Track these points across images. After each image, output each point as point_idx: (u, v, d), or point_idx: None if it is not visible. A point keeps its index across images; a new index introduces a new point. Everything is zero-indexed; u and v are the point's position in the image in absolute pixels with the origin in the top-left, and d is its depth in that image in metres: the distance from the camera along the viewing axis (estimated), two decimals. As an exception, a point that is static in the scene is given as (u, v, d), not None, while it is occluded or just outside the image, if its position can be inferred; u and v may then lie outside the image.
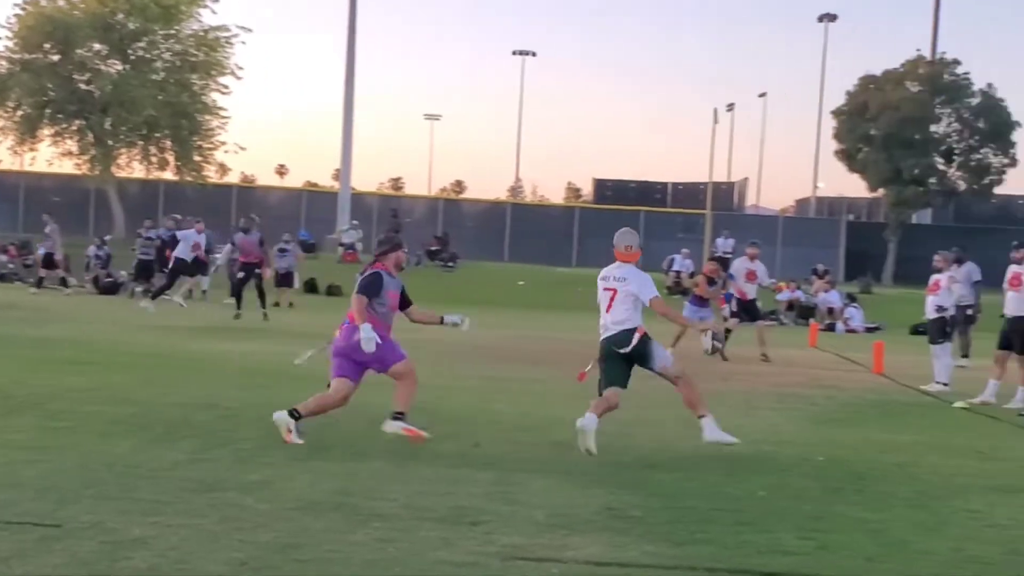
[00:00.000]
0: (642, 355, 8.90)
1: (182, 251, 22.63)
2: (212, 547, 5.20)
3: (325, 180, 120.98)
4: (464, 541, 5.54)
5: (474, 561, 5.20)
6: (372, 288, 8.99)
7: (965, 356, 18.14)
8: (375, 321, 8.82)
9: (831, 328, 28.51)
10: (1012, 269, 13.38)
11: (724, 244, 34.77)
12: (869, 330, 28.89)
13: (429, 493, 6.61)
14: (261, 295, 21.18)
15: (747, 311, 18.14)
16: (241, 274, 21.13)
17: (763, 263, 18.80)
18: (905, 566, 5.54)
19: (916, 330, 26.21)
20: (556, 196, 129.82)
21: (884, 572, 5.41)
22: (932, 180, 49.64)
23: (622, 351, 8.80)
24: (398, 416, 8.69)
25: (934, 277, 14.81)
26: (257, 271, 20.88)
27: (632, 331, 8.82)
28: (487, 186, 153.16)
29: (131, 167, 47.54)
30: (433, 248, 42.41)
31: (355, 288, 9.01)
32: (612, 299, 8.95)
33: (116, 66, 44.31)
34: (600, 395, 8.82)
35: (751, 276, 18.24)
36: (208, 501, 6.09)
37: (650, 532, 5.92)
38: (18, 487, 6.21)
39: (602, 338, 8.99)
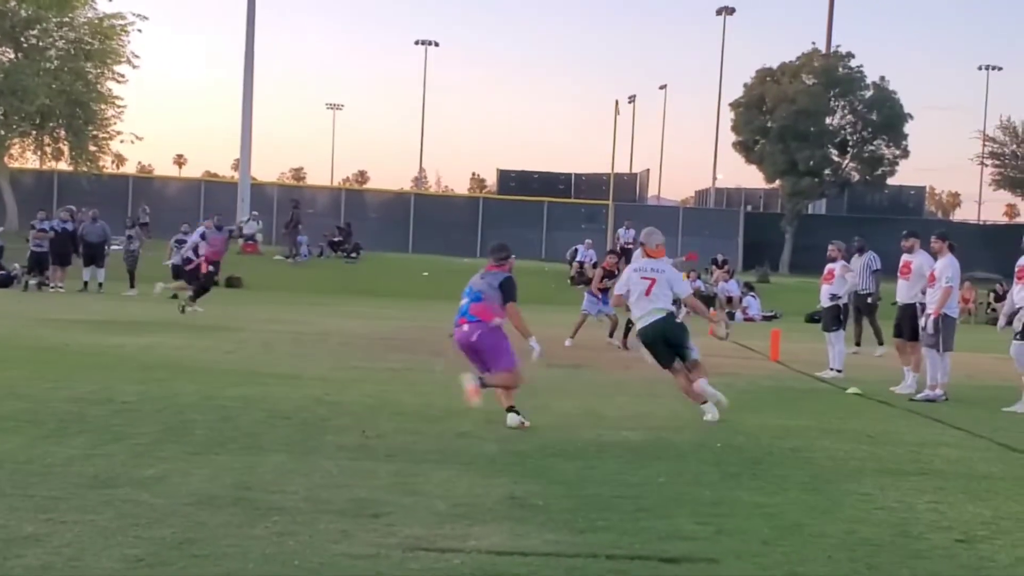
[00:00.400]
0: (681, 336, 10.37)
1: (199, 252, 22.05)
2: (107, 544, 5.10)
3: (225, 170, 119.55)
4: (365, 533, 5.51)
5: (375, 553, 5.17)
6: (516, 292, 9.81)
7: (881, 344, 18.49)
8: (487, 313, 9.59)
9: (730, 316, 29.00)
10: (904, 258, 13.75)
11: (626, 235, 35.12)
12: (766, 318, 29.52)
13: (330, 486, 6.56)
14: (205, 290, 21.07)
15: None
16: (211, 268, 21.25)
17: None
18: (799, 548, 5.65)
19: (811, 318, 26.83)
20: (460, 187, 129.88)
21: (779, 555, 5.51)
22: (827, 171, 50.86)
23: (670, 326, 10.31)
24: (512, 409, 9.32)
25: (829, 266, 15.16)
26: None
27: (675, 312, 10.46)
28: (391, 176, 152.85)
29: (24, 157, 46.37)
30: (335, 239, 42.07)
31: (501, 295, 9.65)
32: (651, 286, 10.23)
33: (8, 54, 43.08)
34: (677, 376, 10.37)
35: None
36: (103, 497, 5.96)
37: (552, 520, 5.96)
38: (-98, 487, 6.01)
39: (645, 325, 10.28)
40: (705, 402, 10.08)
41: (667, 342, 10.30)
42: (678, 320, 10.61)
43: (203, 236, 21.45)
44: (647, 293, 10.21)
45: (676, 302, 10.72)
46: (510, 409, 9.31)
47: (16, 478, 6.32)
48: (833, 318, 14.99)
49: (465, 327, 9.64)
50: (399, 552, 5.22)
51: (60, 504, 5.76)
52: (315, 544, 5.28)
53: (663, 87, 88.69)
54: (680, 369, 10.33)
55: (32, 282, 26.05)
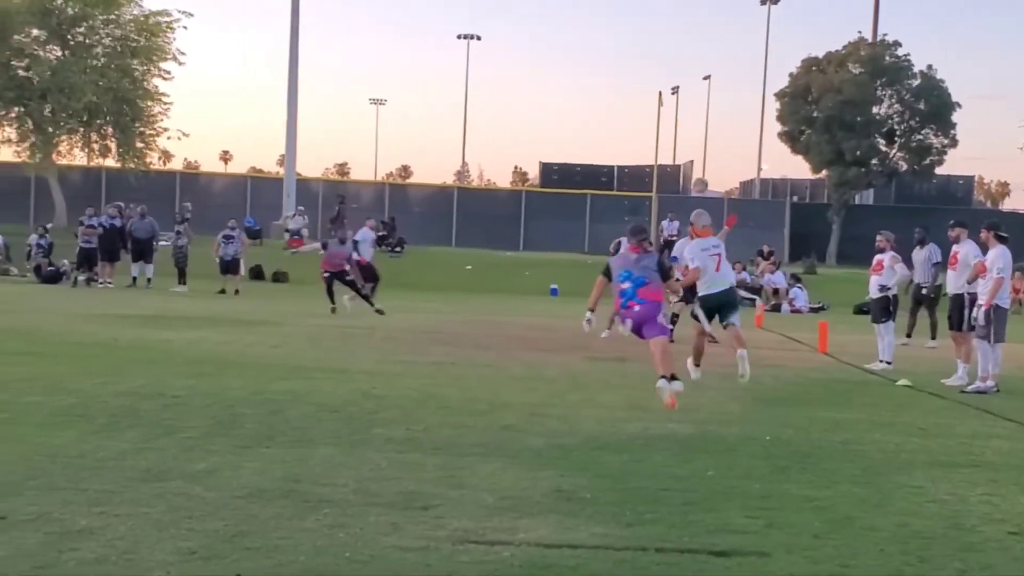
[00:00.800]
0: (734, 305, 12.17)
1: (367, 252, 22.46)
2: (160, 536, 5.15)
3: (270, 166, 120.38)
4: (414, 526, 5.53)
5: (425, 546, 5.19)
6: None
7: (933, 338, 18.33)
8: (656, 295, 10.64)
9: (776, 309, 28.84)
10: (952, 248, 13.62)
11: (670, 227, 34.95)
12: (813, 310, 29.27)
13: (379, 478, 6.59)
14: (354, 286, 21.17)
15: (694, 292, 18.03)
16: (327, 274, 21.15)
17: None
18: (851, 542, 5.61)
19: (860, 309, 26.59)
20: (503, 180, 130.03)
21: (830, 548, 5.47)
22: (874, 161, 50.30)
23: (731, 297, 12.12)
24: (672, 377, 10.09)
25: (877, 257, 15.01)
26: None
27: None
28: (433, 171, 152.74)
29: (72, 154, 46.91)
30: (380, 234, 42.19)
31: (660, 275, 10.70)
32: (719, 262, 12.02)
33: (55, 52, 43.59)
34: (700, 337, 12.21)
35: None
36: (155, 490, 6.02)
37: (599, 513, 5.95)
38: (-41, 480, 6.11)
39: (709, 293, 11.99)
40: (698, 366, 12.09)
41: (721, 307, 12.00)
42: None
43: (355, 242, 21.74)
44: (716, 269, 11.98)
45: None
46: (673, 377, 10.07)
47: (69, 472, 6.40)
48: (882, 309, 14.85)
49: (637, 308, 10.47)
50: (449, 545, 5.24)
51: (113, 497, 5.83)
52: (365, 536, 5.31)
53: (707, 78, 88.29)
54: (708, 332, 12.34)
55: (81, 278, 26.35)
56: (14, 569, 4.63)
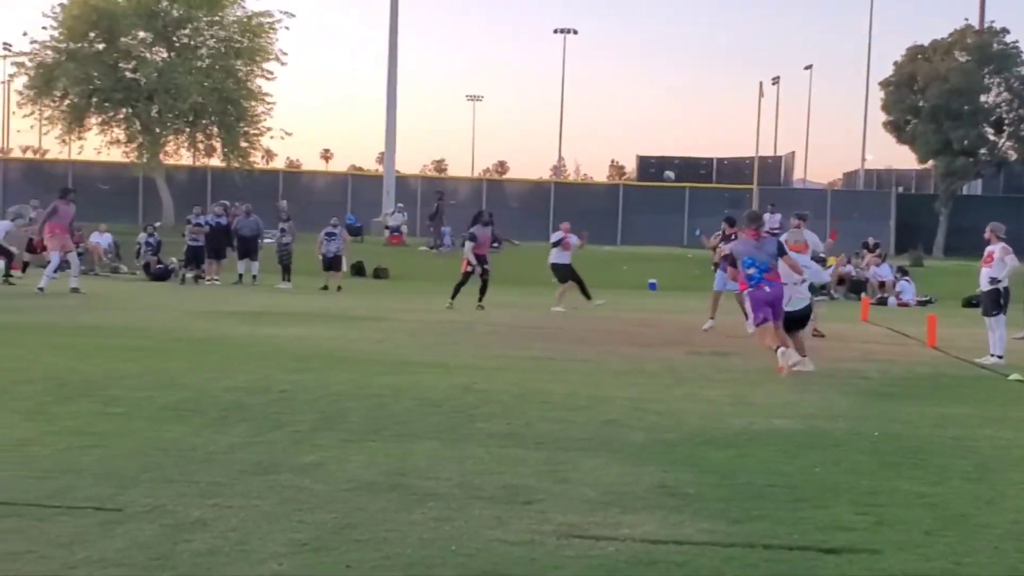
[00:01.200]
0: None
1: (561, 257, 22.15)
2: (271, 528, 5.25)
3: (369, 164, 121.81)
4: (518, 520, 5.55)
5: (529, 540, 5.21)
6: None
7: None
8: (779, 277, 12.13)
9: (883, 302, 28.26)
10: None
11: (771, 220, 34.50)
12: (921, 303, 28.62)
13: (482, 472, 6.63)
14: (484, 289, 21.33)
15: None
16: (473, 267, 21.29)
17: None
18: (964, 539, 5.48)
19: (969, 302, 25.93)
20: (599, 174, 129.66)
21: (943, 546, 5.35)
22: (982, 151, 49.00)
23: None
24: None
25: (988, 248, 14.63)
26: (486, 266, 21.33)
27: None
28: (530, 166, 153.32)
29: (178, 154, 48.01)
30: (478, 229, 42.37)
31: (785, 252, 12.28)
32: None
33: (161, 54, 44.60)
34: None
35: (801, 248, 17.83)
36: (265, 483, 6.14)
37: (705, 509, 5.90)
38: (78, 472, 6.29)
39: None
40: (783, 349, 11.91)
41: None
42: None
43: (474, 237, 21.55)
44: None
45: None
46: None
47: (182, 465, 6.56)
48: (993, 302, 14.46)
49: (767, 288, 11.91)
50: (553, 539, 5.24)
51: (225, 490, 5.96)
52: (471, 530, 5.34)
53: (808, 67, 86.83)
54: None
55: (189, 275, 26.94)
56: (131, 560, 4.76)
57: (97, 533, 5.12)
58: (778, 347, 11.76)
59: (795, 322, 12.56)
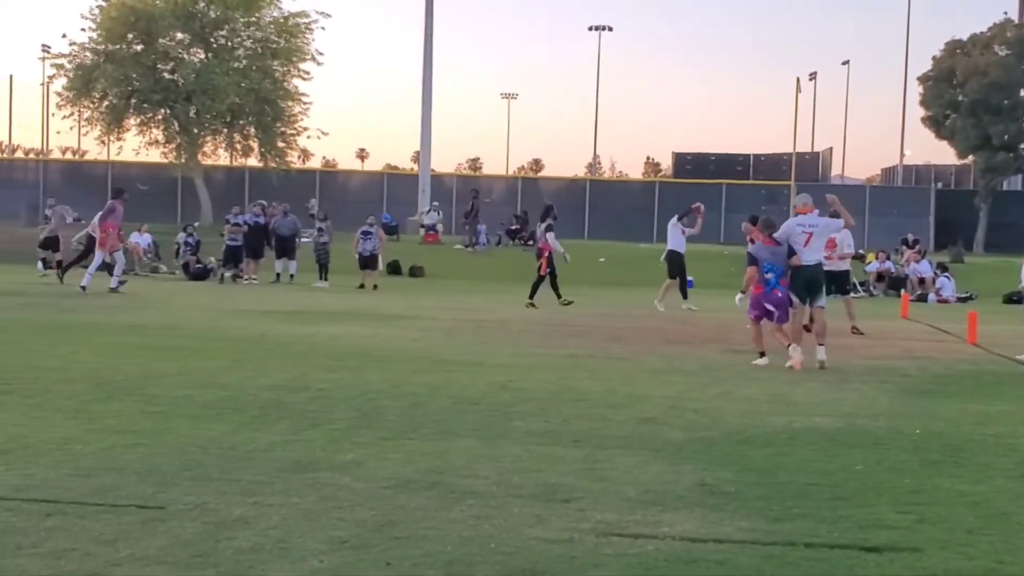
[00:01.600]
0: (821, 283, 13.07)
1: (678, 244, 21.61)
2: (312, 526, 5.29)
3: (405, 163, 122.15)
4: (557, 518, 5.55)
5: (569, 538, 5.21)
6: None
7: None
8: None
9: (922, 299, 28.02)
10: None
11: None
12: (961, 300, 28.35)
13: (520, 471, 6.63)
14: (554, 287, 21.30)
15: (834, 282, 16.89)
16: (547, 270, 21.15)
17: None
18: (1007, 538, 5.43)
19: (1010, 299, 25.68)
20: (635, 171, 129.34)
21: (985, 544, 5.31)
22: (1022, 145, 48.48)
23: (818, 273, 12.99)
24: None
25: None
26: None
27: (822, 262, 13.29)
28: (565, 163, 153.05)
29: (216, 154, 48.37)
30: (513, 227, 42.44)
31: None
32: (809, 238, 12.82)
33: (199, 55, 44.97)
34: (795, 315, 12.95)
35: (830, 244, 16.86)
36: (304, 481, 6.18)
37: (745, 508, 5.88)
38: (120, 470, 6.35)
39: (803, 264, 12.76)
40: (790, 345, 12.54)
41: (808, 286, 12.83)
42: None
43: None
44: (805, 245, 12.78)
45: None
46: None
47: (223, 463, 6.61)
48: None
49: (779, 294, 12.73)
50: (592, 537, 5.24)
51: (265, 488, 6.00)
52: (510, 528, 5.35)
53: (846, 63, 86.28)
54: (802, 314, 13.18)
55: (227, 274, 27.11)
56: (174, 558, 4.80)
57: (140, 531, 5.17)
58: (790, 344, 12.59)
59: (810, 285, 12.94)
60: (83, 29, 44.15)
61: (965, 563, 5.04)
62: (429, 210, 42.62)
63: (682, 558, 4.97)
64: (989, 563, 5.05)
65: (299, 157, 50.10)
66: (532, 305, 20.57)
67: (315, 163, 70.45)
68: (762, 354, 12.83)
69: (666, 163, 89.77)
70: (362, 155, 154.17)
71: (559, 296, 21.25)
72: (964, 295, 28.99)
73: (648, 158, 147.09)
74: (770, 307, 12.74)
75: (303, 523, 5.33)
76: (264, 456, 6.83)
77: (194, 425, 7.82)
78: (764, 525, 5.55)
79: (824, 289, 13.15)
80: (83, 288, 20.93)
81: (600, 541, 5.19)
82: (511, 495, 6.01)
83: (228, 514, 5.46)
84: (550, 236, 21.29)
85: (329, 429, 7.79)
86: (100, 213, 22.74)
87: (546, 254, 21.25)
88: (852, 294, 19.12)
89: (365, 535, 5.16)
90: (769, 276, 12.77)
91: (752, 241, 13.85)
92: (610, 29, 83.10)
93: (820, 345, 12.71)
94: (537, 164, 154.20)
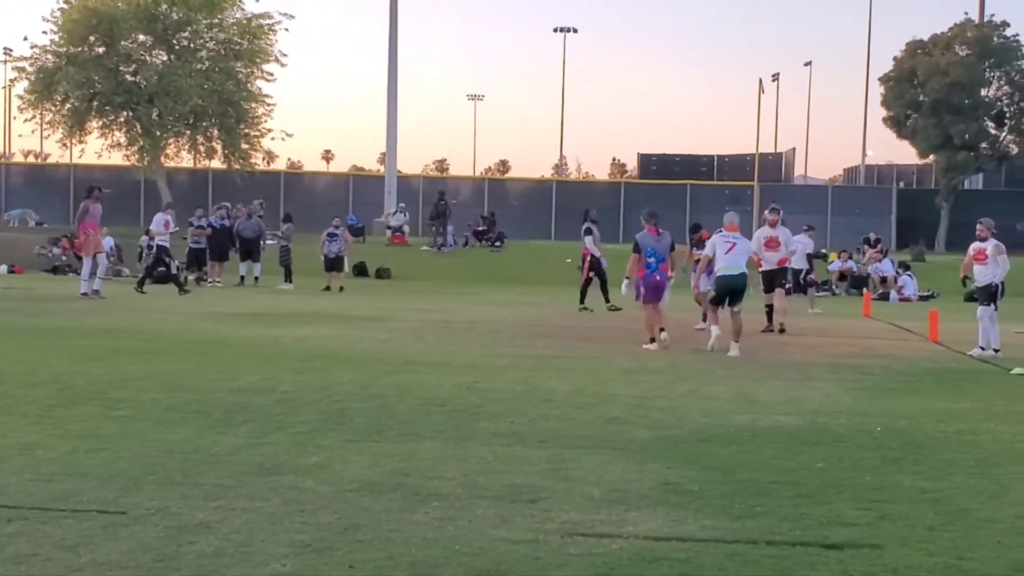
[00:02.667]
0: (742, 291, 14.10)
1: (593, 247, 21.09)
2: (274, 529, 5.27)
3: (371, 164, 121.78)
4: (522, 519, 5.57)
5: (533, 538, 5.22)
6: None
7: None
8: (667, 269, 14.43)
9: (884, 297, 28.26)
10: None
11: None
12: (923, 298, 28.62)
13: (486, 472, 6.64)
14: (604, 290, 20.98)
15: (770, 282, 17.25)
16: (591, 274, 20.85)
17: (790, 229, 17.84)
18: (967, 534, 5.49)
19: (971, 297, 25.89)
20: (601, 172, 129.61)
21: (946, 540, 5.36)
22: (983, 145, 48.97)
23: (739, 284, 13.98)
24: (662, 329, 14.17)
25: (978, 245, 14.57)
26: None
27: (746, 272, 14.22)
28: (532, 165, 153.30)
29: (179, 157, 47.97)
30: (480, 229, 42.42)
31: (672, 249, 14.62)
32: (730, 249, 13.94)
33: (161, 57, 44.56)
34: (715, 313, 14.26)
35: (772, 244, 17.30)
36: (268, 484, 6.16)
37: (708, 506, 5.92)
38: (83, 475, 6.31)
39: (722, 275, 13.98)
40: (736, 341, 13.57)
41: (730, 292, 13.91)
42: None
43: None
44: (726, 253, 13.91)
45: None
46: (662, 330, 14.09)
47: (186, 467, 6.58)
48: (990, 296, 14.40)
49: (659, 278, 14.23)
50: (557, 537, 5.26)
51: (228, 492, 5.97)
52: (475, 529, 5.36)
53: (808, 64, 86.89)
54: (721, 313, 14.10)
55: (191, 277, 26.95)
56: (136, 563, 4.77)
57: (101, 536, 5.14)
58: (659, 327, 14.10)
59: (733, 292, 14.08)
60: (44, 32, 43.68)
61: (926, 559, 5.09)
62: (395, 211, 42.51)
63: (646, 557, 5.00)
64: (949, 559, 5.10)
65: (264, 159, 49.75)
66: (585, 309, 20.44)
67: (281, 164, 70.11)
68: (652, 340, 14.04)
69: (632, 164, 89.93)
70: (328, 157, 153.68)
71: (607, 300, 20.90)
72: (926, 293, 29.27)
73: (614, 159, 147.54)
74: (644, 289, 14.20)
75: (266, 527, 5.31)
76: (228, 460, 6.80)
77: (158, 429, 7.77)
78: (727, 523, 5.58)
79: (742, 296, 14.17)
80: (93, 293, 20.87)
81: (565, 541, 5.20)
82: (476, 496, 6.01)
83: (190, 518, 5.43)
84: (588, 240, 21.14)
85: (294, 432, 7.76)
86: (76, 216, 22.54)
87: (587, 258, 21.08)
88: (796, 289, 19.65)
89: (328, 538, 5.15)
90: (651, 261, 14.20)
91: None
92: (575, 31, 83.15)
93: (735, 342, 13.62)
94: (504, 165, 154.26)
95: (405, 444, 7.45)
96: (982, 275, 14.52)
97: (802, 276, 21.93)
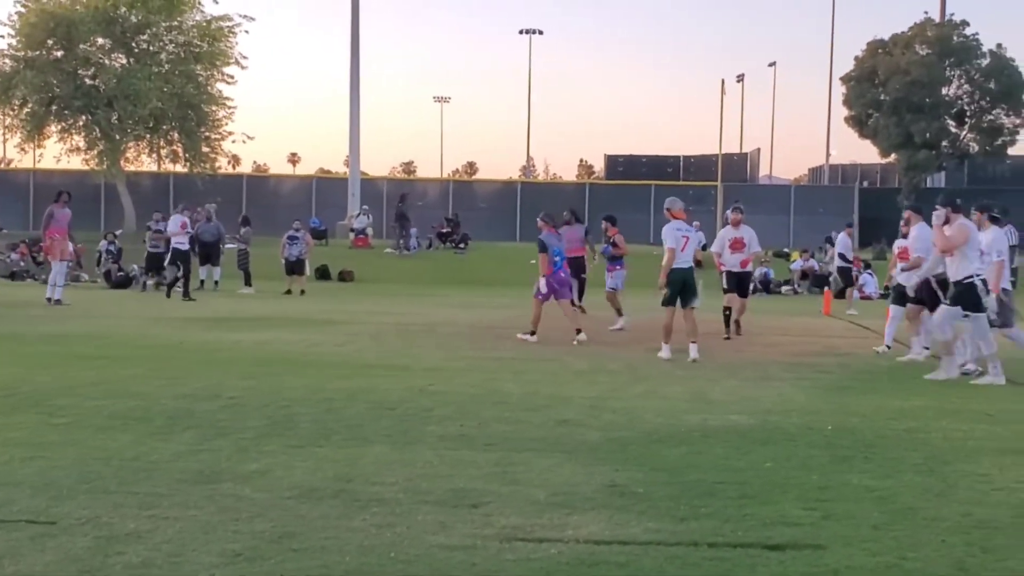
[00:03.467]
0: (694, 285, 13.33)
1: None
2: (207, 539, 5.14)
3: (338, 167, 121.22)
4: (462, 524, 5.47)
5: (471, 544, 5.12)
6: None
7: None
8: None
9: (841, 295, 28.31)
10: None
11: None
12: (883, 296, 28.71)
13: (430, 476, 6.54)
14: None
15: (738, 284, 16.61)
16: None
17: (754, 229, 16.96)
18: (911, 533, 5.44)
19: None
20: (569, 174, 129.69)
21: (890, 540, 5.31)
22: (944, 143, 49.36)
23: (690, 276, 13.28)
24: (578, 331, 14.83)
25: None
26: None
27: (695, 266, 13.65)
28: (500, 166, 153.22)
29: (140, 161, 47.61)
30: (444, 231, 42.31)
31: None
32: (685, 244, 13.25)
33: (120, 60, 44.24)
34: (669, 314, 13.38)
35: (737, 245, 16.53)
36: (205, 492, 6.02)
37: (653, 508, 5.84)
38: (15, 485, 6.15)
39: (677, 267, 13.17)
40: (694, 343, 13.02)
41: (683, 288, 13.19)
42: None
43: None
44: (682, 250, 13.23)
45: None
46: (579, 331, 14.89)
47: (122, 475, 6.43)
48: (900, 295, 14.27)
49: (563, 274, 15.31)
50: (496, 543, 5.16)
51: (163, 500, 5.83)
52: (412, 535, 5.25)
53: (772, 64, 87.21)
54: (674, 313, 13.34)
55: (150, 282, 26.71)
56: (61, 573, 4.65)
57: (28, 547, 4.99)
58: (577, 328, 14.80)
59: (685, 288, 13.32)
60: (2, 36, 43.30)
61: (868, 559, 5.03)
62: (359, 214, 42.35)
63: (584, 561, 4.91)
64: (892, 559, 5.04)
65: (228, 162, 49.43)
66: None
67: (247, 168, 69.71)
68: (533, 333, 14.82)
69: (599, 165, 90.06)
70: (294, 159, 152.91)
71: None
72: (886, 292, 29.38)
73: (582, 160, 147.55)
74: (556, 286, 14.94)
75: (199, 536, 5.18)
76: (167, 467, 6.66)
77: (98, 436, 7.61)
78: (670, 525, 5.51)
79: (696, 291, 13.28)
80: (58, 301, 20.41)
81: (503, 547, 5.11)
82: (418, 501, 5.90)
83: (121, 528, 5.29)
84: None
85: (238, 438, 7.62)
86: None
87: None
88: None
89: (261, 547, 5.02)
90: (557, 259, 15.05)
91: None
92: (540, 33, 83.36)
93: (693, 343, 13.03)
94: (472, 167, 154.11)
95: (350, 449, 7.33)
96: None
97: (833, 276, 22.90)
